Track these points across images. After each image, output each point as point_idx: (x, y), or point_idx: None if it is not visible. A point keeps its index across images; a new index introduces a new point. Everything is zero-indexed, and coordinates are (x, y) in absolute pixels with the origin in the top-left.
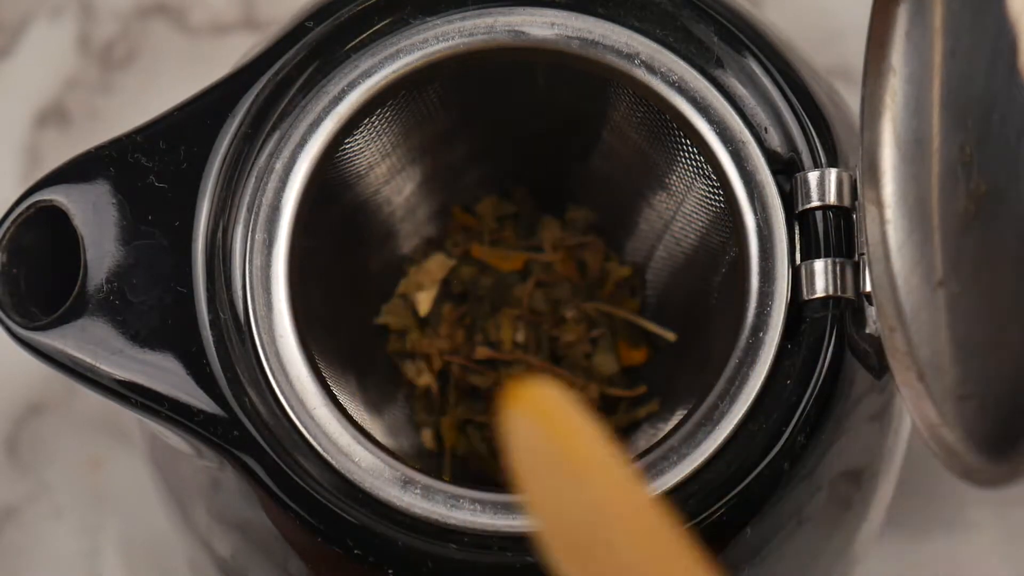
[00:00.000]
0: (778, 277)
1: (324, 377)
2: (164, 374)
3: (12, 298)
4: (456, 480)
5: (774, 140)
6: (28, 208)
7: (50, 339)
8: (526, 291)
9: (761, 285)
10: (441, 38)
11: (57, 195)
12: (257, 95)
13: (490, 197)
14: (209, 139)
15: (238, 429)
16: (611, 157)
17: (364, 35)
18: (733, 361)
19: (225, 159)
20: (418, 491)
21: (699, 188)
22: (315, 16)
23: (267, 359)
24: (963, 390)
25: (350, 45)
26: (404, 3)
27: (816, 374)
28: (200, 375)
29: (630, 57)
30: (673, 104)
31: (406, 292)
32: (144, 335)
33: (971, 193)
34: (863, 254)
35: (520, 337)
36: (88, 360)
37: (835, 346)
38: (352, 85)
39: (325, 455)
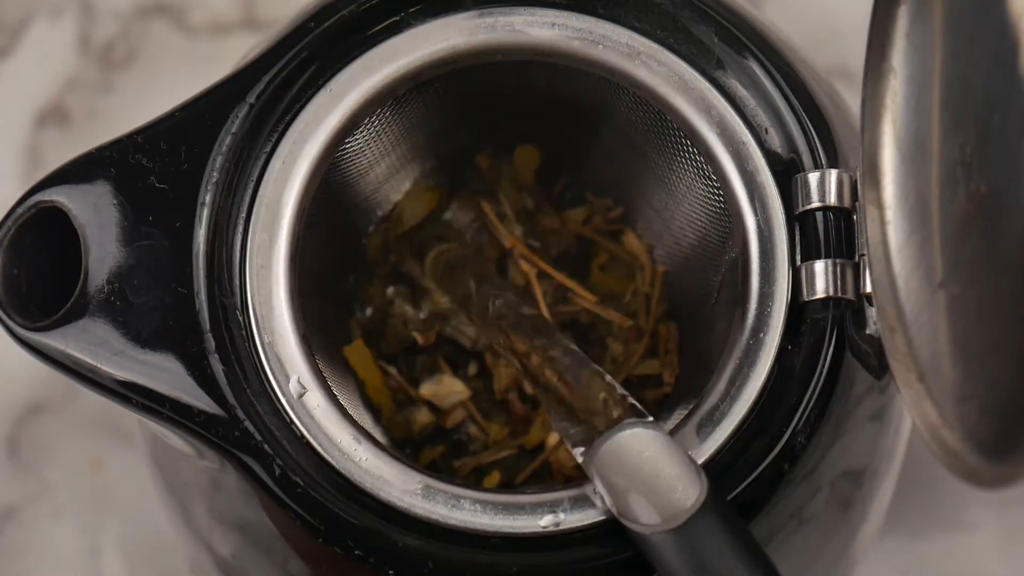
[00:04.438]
0: (778, 278)
1: (324, 377)
2: (165, 375)
3: (13, 298)
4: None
5: (774, 141)
6: (29, 209)
7: (51, 340)
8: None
9: (761, 286)
10: (441, 38)
11: (58, 196)
12: (258, 95)
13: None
14: (210, 140)
15: (238, 430)
16: (611, 158)
17: (365, 35)
18: (733, 362)
19: (226, 159)
20: (419, 491)
21: (699, 188)
22: (316, 16)
23: (267, 359)
24: (963, 391)
25: (351, 45)
26: (404, 3)
27: (816, 375)
28: (201, 376)
29: (630, 58)
30: (673, 105)
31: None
32: (145, 336)
33: (971, 194)
34: (863, 255)
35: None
36: (89, 361)
37: (835, 347)
38: (352, 85)
39: (325, 455)
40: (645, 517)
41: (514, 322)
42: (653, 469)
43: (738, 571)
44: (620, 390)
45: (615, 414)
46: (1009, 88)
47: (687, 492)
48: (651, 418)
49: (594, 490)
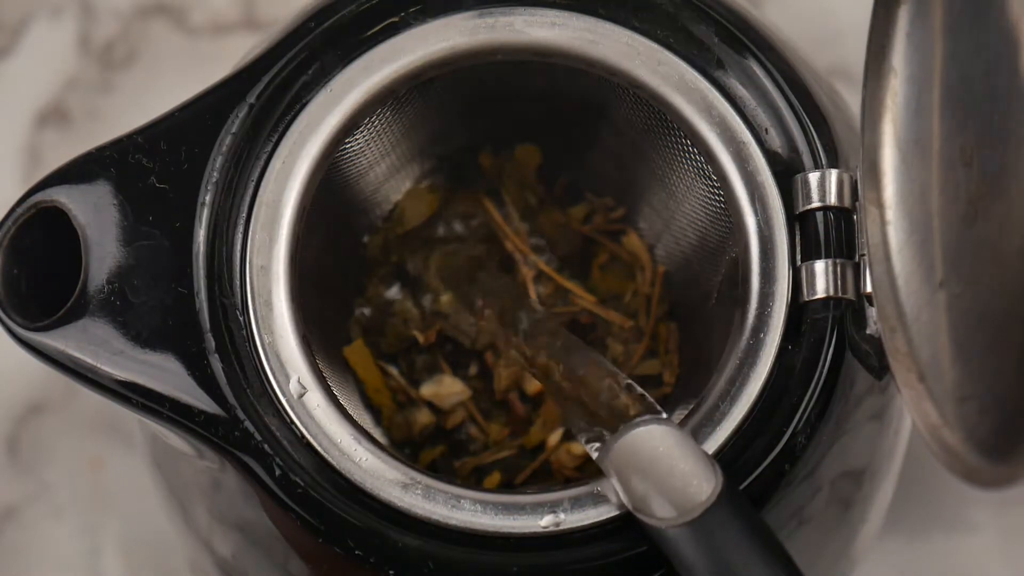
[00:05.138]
0: (779, 278)
1: (324, 377)
2: (165, 375)
3: (13, 298)
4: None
5: (775, 141)
6: (29, 208)
7: (51, 340)
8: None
9: (762, 286)
10: (441, 38)
11: (58, 196)
12: (259, 95)
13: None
14: (210, 140)
15: (238, 430)
16: (611, 158)
17: (365, 35)
18: (734, 362)
19: (226, 159)
20: (419, 492)
21: (699, 188)
22: (316, 16)
23: (267, 359)
24: (964, 391)
25: (351, 45)
26: (404, 3)
27: (817, 375)
28: (200, 375)
29: (630, 58)
30: (674, 105)
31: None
32: (145, 336)
33: (971, 194)
34: (864, 255)
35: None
36: (89, 361)
37: (836, 347)
38: (352, 85)
39: (325, 455)
40: (660, 511)
41: (528, 327)
42: (668, 465)
43: (754, 563)
44: (633, 386)
45: (629, 411)
46: (1009, 88)
47: (702, 486)
48: (664, 414)
49: (598, 490)
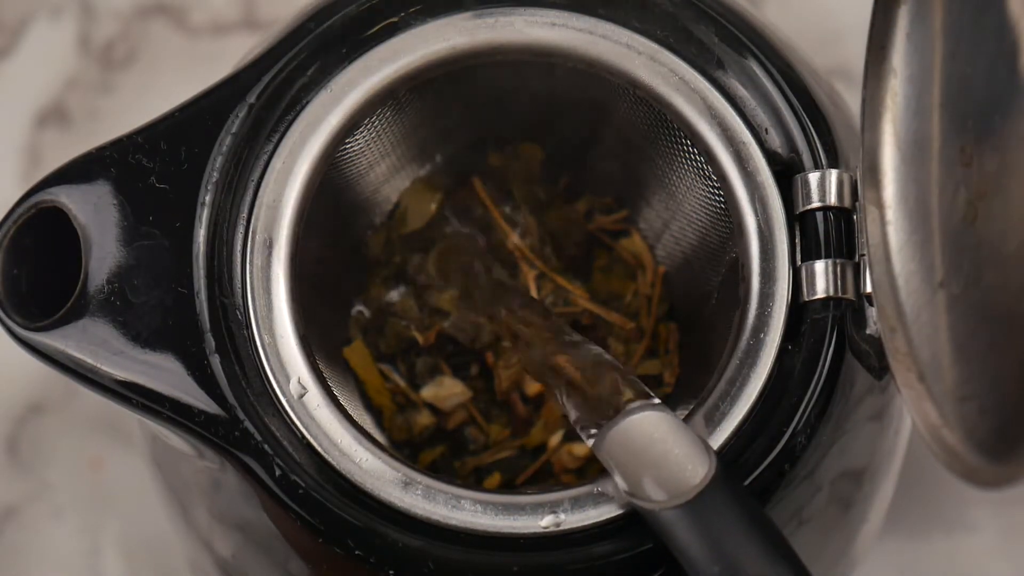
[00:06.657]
0: (779, 278)
1: (324, 377)
2: (165, 375)
3: (13, 298)
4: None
5: (775, 141)
6: (29, 208)
7: (51, 340)
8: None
9: (762, 286)
10: (441, 38)
11: (59, 196)
12: (259, 95)
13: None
14: (210, 140)
15: (238, 430)
16: (611, 157)
17: (365, 35)
18: (734, 362)
19: (226, 159)
20: (419, 492)
21: (699, 188)
22: (316, 17)
23: (267, 359)
24: (964, 391)
25: (351, 45)
26: (404, 3)
27: (817, 375)
28: (201, 375)
29: (630, 58)
30: (674, 105)
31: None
32: (145, 336)
33: (971, 194)
34: (864, 255)
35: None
36: (89, 361)
37: (836, 347)
38: (352, 85)
39: (325, 455)
40: (654, 495)
41: (521, 313)
42: (662, 450)
43: (748, 545)
44: (627, 372)
45: (624, 397)
46: (1009, 88)
47: (696, 470)
48: (658, 400)
49: (598, 490)
